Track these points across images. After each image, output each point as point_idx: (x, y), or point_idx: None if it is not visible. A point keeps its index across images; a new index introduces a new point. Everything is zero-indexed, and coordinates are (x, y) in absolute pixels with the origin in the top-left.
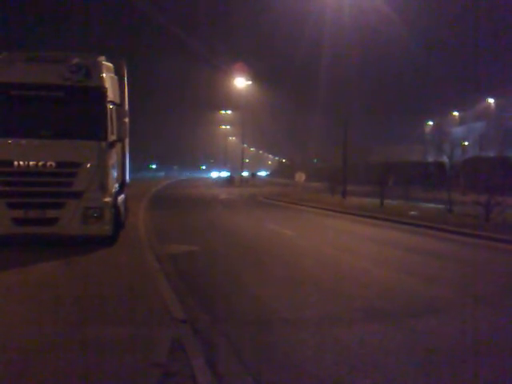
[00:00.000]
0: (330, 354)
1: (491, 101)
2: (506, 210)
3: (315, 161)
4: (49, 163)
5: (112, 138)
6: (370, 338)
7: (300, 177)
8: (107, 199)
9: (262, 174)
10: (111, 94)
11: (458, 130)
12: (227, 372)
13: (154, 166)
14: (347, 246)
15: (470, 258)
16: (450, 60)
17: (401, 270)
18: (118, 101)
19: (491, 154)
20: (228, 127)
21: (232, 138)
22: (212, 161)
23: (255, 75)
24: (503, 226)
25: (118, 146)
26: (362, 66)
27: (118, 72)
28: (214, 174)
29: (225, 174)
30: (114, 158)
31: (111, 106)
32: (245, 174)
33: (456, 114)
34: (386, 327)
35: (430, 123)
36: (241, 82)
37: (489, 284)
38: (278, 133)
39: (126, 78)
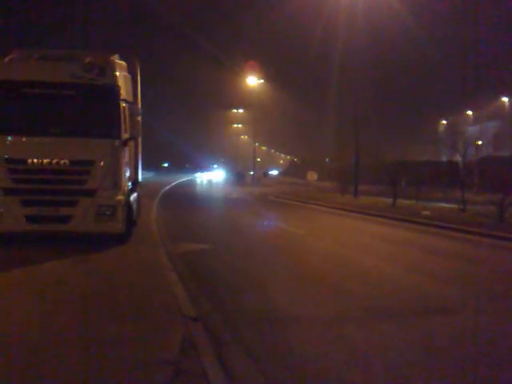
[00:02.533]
0: (339, 353)
1: (505, 100)
2: None
3: (327, 160)
4: (62, 161)
5: (125, 136)
6: (380, 337)
7: (311, 176)
8: (120, 197)
9: (274, 172)
10: (124, 92)
11: (471, 130)
12: (238, 370)
13: (165, 165)
14: (358, 244)
15: (483, 257)
16: (465, 58)
17: (412, 269)
18: (130, 99)
19: (505, 153)
20: (240, 126)
21: (244, 137)
22: (223, 160)
23: (267, 74)
24: None
25: (131, 144)
26: (374, 64)
27: (130, 70)
28: (206, 176)
29: (218, 174)
30: (126, 156)
31: (124, 105)
32: (251, 173)
33: (470, 113)
34: (396, 327)
35: (444, 122)
36: (253, 81)
37: (502, 284)
38: (290, 132)
39: (138, 77)
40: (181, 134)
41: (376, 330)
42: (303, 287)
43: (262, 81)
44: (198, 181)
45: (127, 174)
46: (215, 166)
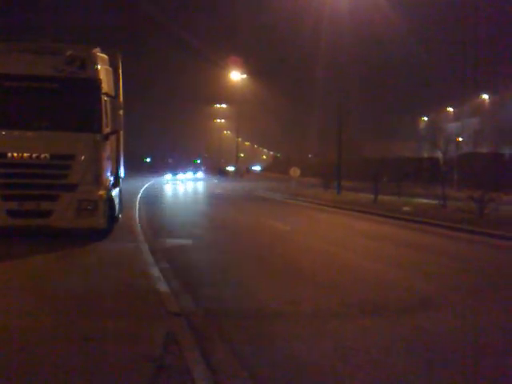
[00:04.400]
0: (324, 348)
1: (486, 97)
2: (499, 205)
3: (310, 156)
4: (43, 155)
5: (106, 130)
6: (364, 332)
7: (294, 172)
8: (101, 192)
9: (257, 168)
10: (106, 85)
11: (452, 126)
12: (222, 365)
13: (148, 160)
14: (341, 240)
15: (463, 253)
16: (446, 56)
17: (394, 264)
18: (112, 93)
19: (485, 149)
20: (223, 121)
21: (227, 132)
22: (206, 155)
23: (251, 69)
24: (497, 221)
25: (113, 138)
26: (358, 61)
27: (112, 64)
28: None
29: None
30: (108, 150)
31: (106, 98)
32: (231, 168)
33: (451, 109)
34: (379, 322)
35: (425, 119)
36: (236, 76)
37: (482, 279)
38: (273, 127)
39: (120, 70)
40: (163, 128)
41: (360, 324)
42: (287, 282)
43: (246, 76)
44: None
45: (109, 169)
46: (198, 161)
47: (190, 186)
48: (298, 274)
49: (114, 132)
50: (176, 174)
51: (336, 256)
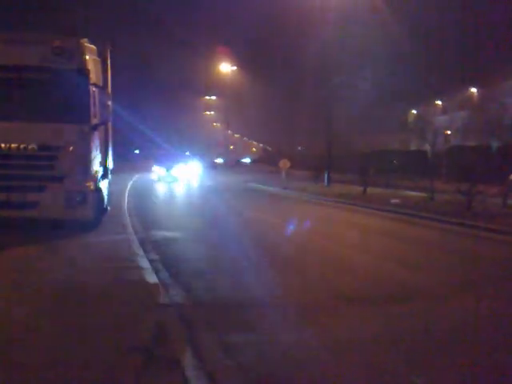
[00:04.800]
0: (313, 339)
1: (474, 90)
2: (487, 198)
3: (299, 148)
4: (30, 146)
5: (94, 121)
6: (353, 323)
7: (284, 164)
8: (89, 183)
9: (247, 160)
10: (94, 76)
11: (441, 119)
12: (211, 356)
13: (137, 152)
14: (330, 232)
15: (450, 245)
16: (435, 48)
17: (383, 256)
18: (100, 84)
19: (473, 142)
20: (212, 113)
21: (216, 124)
22: (196, 147)
23: (241, 61)
24: (484, 214)
25: (101, 129)
26: (346, 52)
27: (100, 55)
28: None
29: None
30: (96, 141)
31: (94, 89)
32: (220, 161)
33: (439, 103)
34: (369, 313)
35: (414, 112)
36: (226, 68)
37: (470, 271)
38: (263, 120)
39: (109, 61)
40: (152, 120)
41: (348, 315)
42: (276, 274)
43: (235, 68)
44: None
45: (97, 160)
46: (187, 153)
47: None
48: (287, 265)
49: (103, 123)
50: (171, 168)
51: (324, 248)
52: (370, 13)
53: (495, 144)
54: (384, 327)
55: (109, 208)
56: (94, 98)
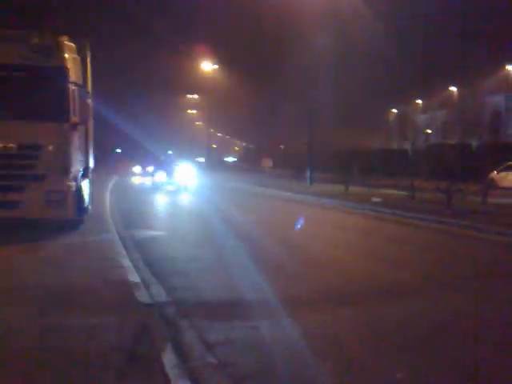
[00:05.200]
0: (291, 336)
1: (453, 89)
2: (466, 196)
3: (282, 147)
4: (10, 145)
5: (74, 119)
6: (332, 320)
7: (266, 163)
8: (70, 183)
9: (230, 159)
10: (73, 74)
11: (421, 118)
12: (192, 355)
13: (118, 150)
14: (310, 230)
15: (429, 242)
16: (415, 48)
17: (362, 254)
18: (80, 82)
19: (453, 141)
20: (194, 111)
21: (199, 123)
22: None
23: (223, 60)
24: (463, 211)
25: (81, 128)
26: (327, 52)
27: (80, 53)
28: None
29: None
30: (76, 140)
31: (73, 87)
32: (201, 159)
33: (420, 102)
34: (348, 311)
35: (395, 111)
36: (207, 66)
37: (449, 268)
38: (245, 118)
39: (89, 59)
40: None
41: (327, 312)
42: (255, 272)
43: (217, 66)
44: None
45: (78, 159)
46: (170, 152)
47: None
48: (267, 263)
49: (83, 122)
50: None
51: (304, 246)
52: (352, 14)
53: (474, 142)
54: (363, 322)
55: (90, 207)
56: (74, 96)
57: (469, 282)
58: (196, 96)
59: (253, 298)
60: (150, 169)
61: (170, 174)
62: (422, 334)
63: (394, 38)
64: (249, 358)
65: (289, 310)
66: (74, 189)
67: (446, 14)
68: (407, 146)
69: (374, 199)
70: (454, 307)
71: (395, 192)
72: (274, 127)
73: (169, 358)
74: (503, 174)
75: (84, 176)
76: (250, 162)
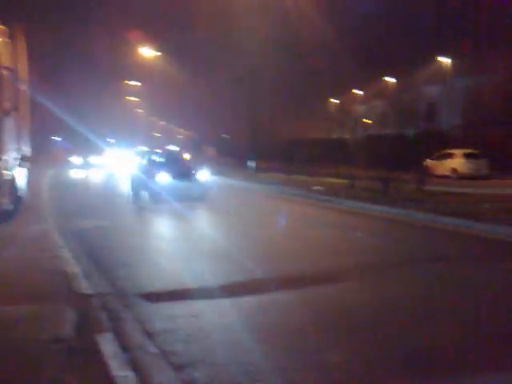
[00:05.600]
0: (236, 323)
1: (389, 79)
2: (403, 184)
3: (225, 136)
4: None
5: (6, 105)
6: (277, 306)
7: (210, 151)
8: (3, 171)
9: (173, 148)
10: (4, 58)
11: (360, 108)
12: (133, 345)
13: (58, 139)
14: (254, 219)
15: (367, 228)
16: (354, 38)
17: (302, 240)
18: (12, 67)
19: (390, 131)
20: (135, 99)
21: (140, 111)
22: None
23: (165, 47)
24: (398, 199)
25: (16, 115)
26: (269, 40)
27: (13, 36)
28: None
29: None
30: (9, 127)
31: (5, 72)
32: (144, 148)
33: (358, 92)
34: (288, 295)
35: (335, 101)
36: (147, 52)
37: (384, 253)
38: (189, 107)
39: (24, 44)
40: (73, 107)
41: (273, 299)
42: (196, 260)
43: (160, 53)
44: None
45: (11, 147)
46: (112, 141)
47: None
48: (210, 252)
49: (15, 108)
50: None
51: (250, 234)
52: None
53: (411, 132)
54: (300, 308)
55: (26, 197)
56: (5, 81)
57: (392, 267)
58: (138, 83)
59: (195, 286)
60: (88, 157)
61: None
62: (359, 317)
63: (333, 29)
64: (190, 345)
65: (231, 296)
66: (7, 177)
67: (383, 9)
68: (347, 135)
69: (315, 188)
70: (390, 291)
71: (335, 181)
72: (216, 116)
73: (109, 349)
74: (437, 162)
75: (19, 164)
76: (193, 151)
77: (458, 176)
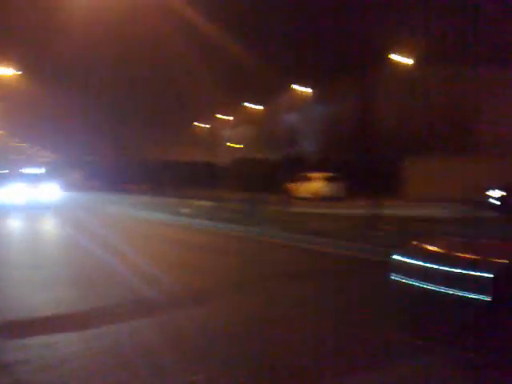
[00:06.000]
0: (91, 350)
1: (252, 106)
2: (267, 205)
3: (91, 159)
4: None
5: None
6: (136, 330)
7: (75, 174)
8: None
9: (34, 171)
10: None
11: (229, 133)
12: None
13: None
14: (118, 241)
15: (233, 249)
16: (219, 65)
17: (169, 262)
18: None
19: (257, 155)
20: None
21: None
22: None
23: (29, 68)
24: (265, 220)
25: None
26: (132, 62)
27: None
28: None
29: None
30: None
31: None
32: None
33: (227, 117)
34: (154, 319)
35: (201, 125)
36: (5, 71)
37: (248, 273)
38: (56, 129)
39: None
40: None
41: (134, 324)
42: (59, 287)
43: (20, 72)
44: None
45: None
46: None
47: None
48: (71, 277)
49: None
50: None
51: (112, 259)
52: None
53: (276, 156)
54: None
55: None
56: None
57: (269, 284)
58: None
59: (53, 314)
60: None
61: None
62: (217, 337)
63: (196, 55)
64: (45, 375)
65: (94, 321)
66: None
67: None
68: (215, 159)
69: (183, 210)
70: (257, 310)
71: (204, 203)
72: (83, 139)
73: None
74: (298, 184)
75: None
76: (59, 174)
77: (317, 198)
